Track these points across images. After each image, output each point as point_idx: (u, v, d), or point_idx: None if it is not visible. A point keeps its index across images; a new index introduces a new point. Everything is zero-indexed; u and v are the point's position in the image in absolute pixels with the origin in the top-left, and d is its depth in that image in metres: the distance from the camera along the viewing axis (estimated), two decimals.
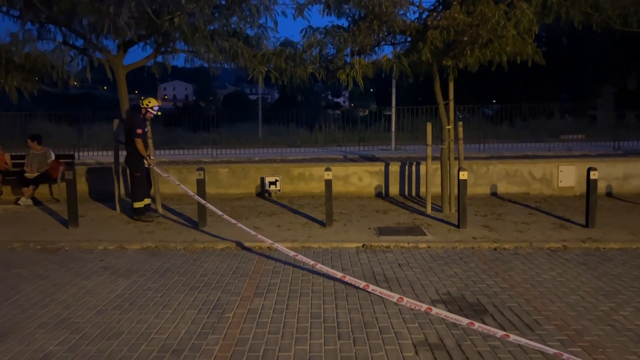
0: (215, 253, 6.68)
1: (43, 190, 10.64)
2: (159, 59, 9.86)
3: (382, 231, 7.62)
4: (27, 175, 10.15)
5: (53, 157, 10.43)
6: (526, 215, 8.74)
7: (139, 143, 8.28)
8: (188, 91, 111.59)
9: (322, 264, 6.11)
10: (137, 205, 8.50)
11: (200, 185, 7.91)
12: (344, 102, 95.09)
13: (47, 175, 10.15)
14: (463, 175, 7.83)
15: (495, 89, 35.65)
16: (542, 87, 36.29)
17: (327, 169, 7.92)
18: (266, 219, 8.59)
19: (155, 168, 8.61)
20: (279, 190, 10.70)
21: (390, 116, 21.40)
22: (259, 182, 10.99)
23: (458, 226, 7.86)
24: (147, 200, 8.56)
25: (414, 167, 10.90)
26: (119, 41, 8.91)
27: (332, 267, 6.00)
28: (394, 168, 10.89)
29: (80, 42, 9.19)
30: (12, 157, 10.88)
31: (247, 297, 5.01)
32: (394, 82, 15.93)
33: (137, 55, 11.59)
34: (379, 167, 10.98)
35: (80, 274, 5.78)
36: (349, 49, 8.96)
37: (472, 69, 7.49)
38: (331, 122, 26.15)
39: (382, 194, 10.86)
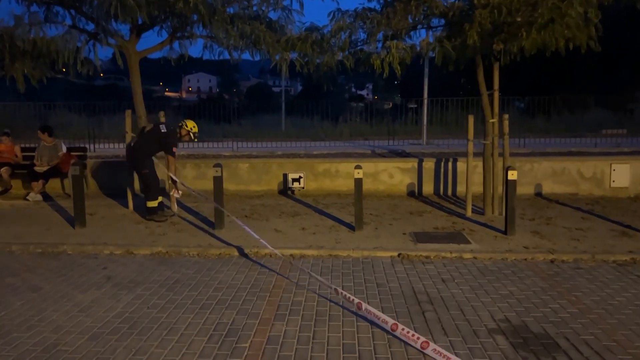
0: (231, 261, 5.93)
1: (55, 184, 10.08)
2: (175, 45, 9.16)
3: (419, 237, 6.77)
4: (36, 169, 9.57)
5: (64, 149, 9.83)
6: (579, 220, 7.78)
7: (174, 162, 7.81)
8: (212, 83, 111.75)
9: (353, 276, 5.32)
10: (152, 204, 7.83)
11: (218, 183, 7.17)
12: (367, 94, 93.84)
13: (58, 169, 9.56)
14: (512, 174, 6.91)
15: (525, 80, 34.12)
16: (575, 78, 34.61)
17: (358, 167, 7.10)
18: (289, 220, 7.82)
19: (175, 195, 7.97)
20: (303, 187, 9.92)
21: (415, 108, 20.43)
22: (281, 179, 10.22)
23: (505, 232, 6.96)
24: (160, 198, 7.89)
25: (450, 164, 9.99)
26: (131, 25, 8.22)
27: (365, 282, 5.20)
28: (428, 165, 10.00)
29: (91, 27, 8.55)
30: (23, 150, 10.35)
31: (266, 321, 4.24)
32: (425, 71, 14.96)
33: (153, 41, 10.96)
34: (412, 163, 10.11)
35: (79, 286, 5.09)
36: (381, 34, 8.09)
37: (527, 53, 6.54)
38: (356, 115, 25.27)
39: (414, 193, 9.99)
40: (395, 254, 6.11)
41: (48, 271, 5.55)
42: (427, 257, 6.03)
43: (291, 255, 6.10)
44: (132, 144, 7.87)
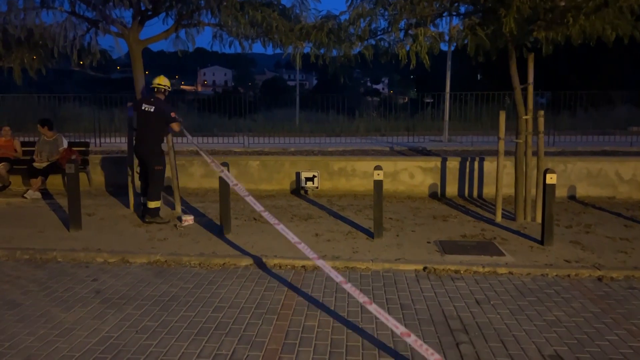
0: (236, 273, 5.30)
1: (57, 181, 9.56)
2: (182, 33, 8.51)
3: (446, 247, 6.08)
4: (35, 164, 9.05)
5: (65, 145, 9.30)
6: (622, 229, 7.02)
7: (179, 125, 7.26)
8: (227, 77, 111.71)
9: (373, 294, 4.66)
10: (155, 205, 7.24)
11: (224, 183, 6.55)
12: (383, 88, 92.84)
13: (58, 165, 9.01)
14: (551, 178, 6.17)
15: (545, 74, 32.86)
16: (599, 72, 33.34)
17: (378, 168, 6.41)
18: (301, 224, 7.18)
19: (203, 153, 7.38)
20: (317, 187, 9.27)
21: (433, 103, 19.62)
22: (293, 178, 9.58)
23: (542, 242, 6.24)
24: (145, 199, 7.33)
25: (476, 164, 9.26)
26: (133, 12, 7.61)
27: (387, 302, 4.54)
28: (453, 164, 9.28)
29: (92, 15, 7.94)
30: (24, 144, 9.84)
31: (272, 353, 3.60)
32: (448, 64, 14.18)
33: (159, 31, 10.25)
34: (434, 162, 9.39)
35: (63, 302, 4.50)
36: (403, 22, 7.39)
37: (574, 42, 5.79)
38: (372, 110, 24.52)
39: (437, 195, 9.28)
40: (421, 267, 5.42)
41: (31, 282, 4.98)
42: (456, 271, 5.34)
43: (303, 266, 5.46)
44: (136, 135, 7.28)
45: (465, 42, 6.19)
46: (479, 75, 43.83)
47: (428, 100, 20.14)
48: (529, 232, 6.81)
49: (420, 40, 6.00)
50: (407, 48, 6.28)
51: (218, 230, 6.70)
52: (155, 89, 7.21)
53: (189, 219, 7.13)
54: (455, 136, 14.87)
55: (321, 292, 4.74)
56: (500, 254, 5.85)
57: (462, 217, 7.73)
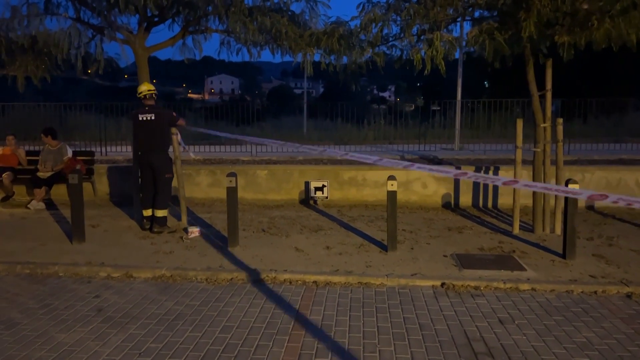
0: (245, 289, 5.06)
1: (62, 191, 9.37)
2: (189, 40, 8.34)
3: (464, 261, 5.81)
4: (39, 174, 8.88)
5: (70, 154, 9.12)
6: None
7: (183, 121, 7.45)
8: (234, 85, 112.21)
9: (390, 312, 4.40)
10: (163, 213, 7.06)
11: (231, 195, 6.32)
12: (389, 96, 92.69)
13: (63, 174, 8.82)
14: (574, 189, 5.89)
15: (555, 81, 32.38)
16: (609, 79, 32.93)
17: (391, 178, 6.16)
18: (311, 236, 6.93)
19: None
20: (326, 197, 9.03)
21: (440, 111, 19.38)
22: (302, 187, 9.35)
23: (564, 256, 5.96)
24: (148, 212, 7.12)
25: (490, 173, 8.99)
26: (139, 18, 7.44)
27: (405, 321, 4.28)
28: None
29: (97, 21, 7.78)
30: (28, 154, 9.67)
31: None
32: (459, 71, 13.94)
33: (165, 38, 10.01)
34: None
35: (63, 321, 4.27)
36: (415, 28, 7.18)
37: (597, 47, 5.54)
38: (380, 117, 24.30)
39: (450, 205, 9.01)
40: (438, 283, 5.16)
41: (31, 299, 4.76)
42: (476, 287, 5.07)
43: (315, 282, 5.21)
44: (142, 144, 7.10)
45: (478, 47, 5.93)
46: (486, 83, 43.55)
47: (435, 108, 19.92)
48: (549, 244, 6.53)
49: (436, 44, 5.77)
50: (423, 53, 6.04)
51: (225, 242, 6.46)
52: (146, 97, 7.04)
53: (195, 231, 6.90)
54: (466, 144, 14.60)
55: (335, 311, 4.49)
56: (521, 268, 5.57)
57: (478, 228, 7.45)
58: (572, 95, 16.60)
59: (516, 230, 7.18)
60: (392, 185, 6.11)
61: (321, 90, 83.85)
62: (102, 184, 9.76)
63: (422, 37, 6.26)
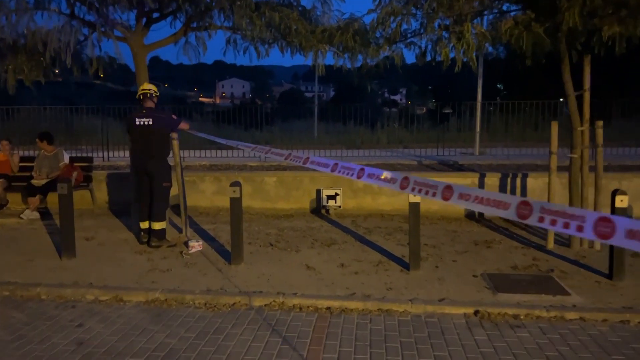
0: (248, 317, 4.42)
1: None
2: (192, 38, 7.77)
3: (497, 282, 5.13)
4: (33, 182, 8.33)
5: (67, 160, 8.57)
6: None
7: (186, 123, 6.79)
8: (245, 89, 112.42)
9: (417, 349, 3.74)
10: (161, 225, 6.46)
11: (236, 206, 5.70)
12: (400, 99, 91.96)
13: (68, 179, 8.25)
14: (622, 200, 5.21)
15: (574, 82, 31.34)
16: (627, 79, 31.92)
17: None
18: (323, 251, 6.28)
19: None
20: (340, 206, 8.39)
21: (455, 114, 18.70)
22: (314, 195, 8.72)
23: (610, 276, 5.26)
24: (145, 224, 6.51)
25: (518, 180, 8.29)
26: (137, 13, 6.88)
27: (435, 359, 3.61)
28: (492, 180, 8.32)
29: (92, 18, 7.23)
30: (23, 160, 9.13)
31: None
32: (480, 71, 13.21)
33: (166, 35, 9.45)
34: (471, 178, 8.44)
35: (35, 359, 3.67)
36: (436, 23, 6.52)
37: None
38: (394, 121, 23.67)
39: (474, 215, 8.31)
40: (471, 310, 4.48)
41: (3, 329, 4.16)
42: (515, 316, 4.39)
43: (328, 308, 4.56)
44: (138, 150, 6.50)
45: (514, 41, 5.24)
46: (500, 85, 42.73)
47: (447, 111, 19.26)
48: (590, 262, 5.82)
49: (467, 37, 5.10)
50: (452, 55, 5.37)
51: (229, 258, 5.84)
52: (141, 96, 6.43)
53: (196, 245, 6.30)
54: (484, 148, 13.86)
55: (352, 346, 3.83)
56: (564, 292, 4.87)
57: (507, 242, 6.76)
58: (593, 96, 15.75)
59: (550, 245, 6.48)
60: (414, 196, 5.44)
61: (332, 93, 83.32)
62: (102, 192, 9.20)
63: (444, 33, 5.58)
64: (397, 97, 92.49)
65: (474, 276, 5.35)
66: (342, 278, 5.27)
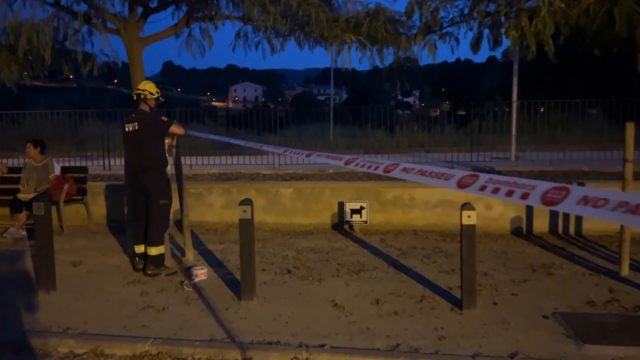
0: None
1: (52, 214, 7.88)
2: (196, 31, 6.79)
3: (577, 327, 4.04)
4: (20, 196, 7.42)
5: (57, 171, 7.63)
6: None
7: (179, 126, 5.60)
8: (258, 92, 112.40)
9: None
10: (158, 251, 5.47)
11: (246, 229, 4.67)
12: (414, 101, 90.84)
13: (48, 196, 7.32)
14: None
15: (599, 80, 29.69)
16: None
17: (467, 207, 4.44)
18: (351, 281, 5.24)
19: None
20: (365, 221, 7.34)
21: (463, 116, 17.64)
22: (335, 209, 7.69)
23: None
24: (140, 249, 5.52)
25: None
26: (131, 0, 5.91)
27: None
28: None
29: (81, 8, 6.28)
30: (12, 171, 8.23)
31: None
32: (514, 68, 12.09)
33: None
34: None
35: None
36: (487, 5, 5.46)
37: None
38: (414, 123, 22.64)
39: (521, 230, 7.22)
40: None
41: None
42: None
43: None
44: (130, 161, 5.52)
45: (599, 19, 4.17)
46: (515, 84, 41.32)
47: (461, 113, 18.25)
48: None
49: (544, 15, 4.01)
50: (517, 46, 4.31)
51: (238, 291, 4.81)
52: (135, 97, 5.46)
53: (200, 274, 5.29)
54: (520, 152, 12.69)
55: None
56: None
57: (569, 266, 5.66)
58: (618, 95, 14.38)
59: (625, 272, 5.37)
60: (469, 217, 4.38)
61: (344, 96, 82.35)
62: (98, 206, 8.25)
63: (525, 7, 4.52)
64: (410, 99, 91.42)
65: (545, 317, 4.26)
66: (379, 321, 4.22)
